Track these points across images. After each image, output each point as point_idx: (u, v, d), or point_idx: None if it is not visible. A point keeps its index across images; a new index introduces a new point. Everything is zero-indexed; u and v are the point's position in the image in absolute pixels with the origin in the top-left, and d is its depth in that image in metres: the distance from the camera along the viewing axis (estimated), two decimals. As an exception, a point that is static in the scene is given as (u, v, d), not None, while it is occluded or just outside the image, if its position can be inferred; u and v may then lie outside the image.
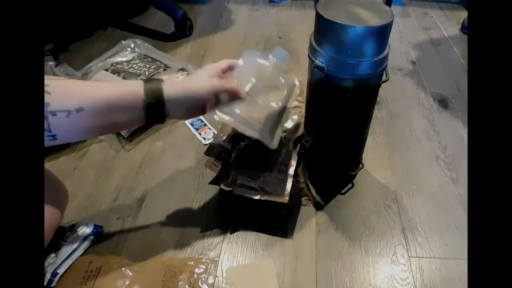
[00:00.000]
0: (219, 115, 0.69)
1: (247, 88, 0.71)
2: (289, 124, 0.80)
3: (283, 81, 0.79)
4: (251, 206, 0.72)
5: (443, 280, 0.67)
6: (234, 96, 0.58)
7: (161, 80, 0.54)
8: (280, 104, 0.75)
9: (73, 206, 0.76)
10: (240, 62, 0.77)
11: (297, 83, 0.73)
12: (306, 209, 0.77)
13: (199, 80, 0.56)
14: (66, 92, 0.47)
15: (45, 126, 0.45)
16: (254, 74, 0.75)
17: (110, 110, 0.49)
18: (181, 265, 0.65)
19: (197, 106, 0.56)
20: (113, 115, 0.50)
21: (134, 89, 0.51)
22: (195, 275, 0.64)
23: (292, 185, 0.70)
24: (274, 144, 0.69)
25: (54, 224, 0.62)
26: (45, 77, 0.45)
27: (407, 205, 0.79)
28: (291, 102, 0.75)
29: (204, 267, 0.65)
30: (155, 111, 0.52)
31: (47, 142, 0.46)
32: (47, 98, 0.45)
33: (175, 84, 0.54)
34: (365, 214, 0.77)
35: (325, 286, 0.65)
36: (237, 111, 0.67)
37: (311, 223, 0.75)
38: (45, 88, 0.45)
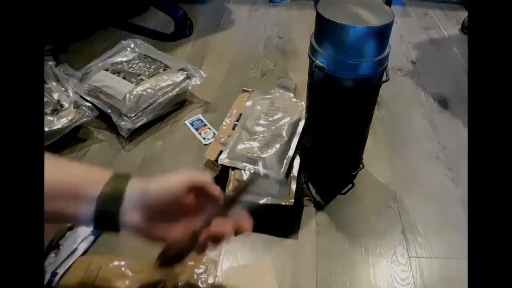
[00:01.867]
0: (225, 161, 0.72)
1: (255, 127, 0.74)
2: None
3: (289, 108, 0.82)
4: (251, 206, 0.72)
5: (443, 280, 0.67)
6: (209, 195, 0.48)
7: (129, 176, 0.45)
8: (287, 133, 0.77)
9: (73, 206, 0.76)
10: (248, 103, 0.82)
11: (304, 104, 0.74)
12: (306, 209, 0.77)
13: (168, 176, 0.46)
14: None
15: None
16: (260, 112, 0.79)
17: (63, 195, 0.42)
18: (181, 265, 0.65)
19: (169, 202, 0.45)
20: (64, 202, 0.42)
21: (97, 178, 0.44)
22: (195, 275, 0.64)
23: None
24: (281, 174, 0.70)
25: (53, 224, 0.62)
26: None
27: (407, 205, 0.79)
28: (300, 126, 0.77)
29: (204, 267, 0.65)
30: (108, 207, 0.43)
31: None
32: None
33: (143, 179, 0.45)
34: (365, 214, 0.77)
35: (325, 286, 0.65)
36: (246, 152, 0.70)
37: (311, 223, 0.74)
38: None
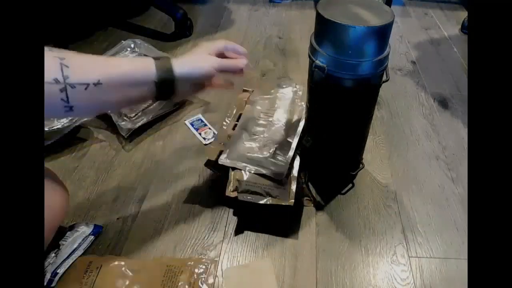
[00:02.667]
0: (225, 161, 0.71)
1: (255, 128, 0.74)
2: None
3: (290, 108, 0.82)
4: (251, 206, 0.72)
5: (443, 280, 0.67)
6: (235, 71, 0.64)
7: (169, 58, 0.58)
8: (287, 133, 0.77)
9: (73, 206, 0.76)
10: (248, 103, 0.82)
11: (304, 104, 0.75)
12: (306, 209, 0.77)
13: (202, 57, 0.61)
14: (85, 66, 0.50)
15: (63, 97, 0.47)
16: (260, 112, 0.79)
17: (124, 84, 0.52)
18: (181, 265, 0.65)
19: (201, 81, 0.62)
20: (127, 89, 0.53)
21: (147, 64, 0.55)
22: (195, 275, 0.64)
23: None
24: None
25: (54, 224, 0.62)
26: (61, 51, 0.48)
27: (407, 205, 0.79)
28: (300, 126, 0.77)
29: (204, 267, 0.65)
30: (165, 85, 0.56)
31: (64, 113, 0.49)
32: (66, 71, 0.46)
33: (183, 61, 0.58)
34: (365, 214, 0.77)
35: (325, 286, 0.65)
36: (246, 152, 0.70)
37: (311, 223, 0.75)
38: (63, 62, 0.47)
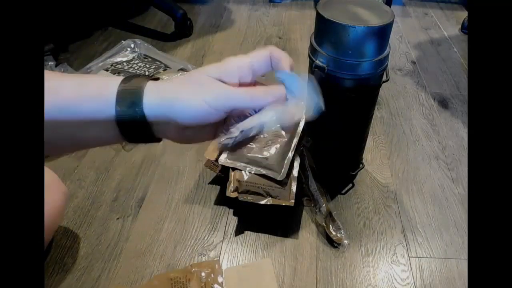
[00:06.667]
0: (225, 161, 0.71)
1: (253, 130, 0.69)
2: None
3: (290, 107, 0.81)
4: (251, 206, 0.72)
5: (443, 280, 0.67)
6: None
7: (147, 79, 0.35)
8: (287, 133, 0.76)
9: (73, 206, 0.76)
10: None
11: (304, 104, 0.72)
12: (306, 209, 0.77)
13: (202, 88, 0.35)
14: None
15: None
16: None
17: (66, 121, 0.35)
18: (185, 273, 0.64)
19: (200, 125, 0.37)
20: (72, 127, 0.35)
21: (102, 91, 0.34)
22: (204, 279, 0.63)
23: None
24: (281, 175, 0.70)
25: (54, 224, 0.62)
26: None
27: (407, 205, 0.79)
28: (300, 126, 0.77)
29: (209, 268, 0.65)
30: (133, 127, 0.34)
31: None
32: None
33: (166, 90, 0.34)
34: (365, 214, 0.77)
35: (325, 286, 0.65)
36: (244, 151, 0.70)
37: (311, 223, 0.75)
38: None
